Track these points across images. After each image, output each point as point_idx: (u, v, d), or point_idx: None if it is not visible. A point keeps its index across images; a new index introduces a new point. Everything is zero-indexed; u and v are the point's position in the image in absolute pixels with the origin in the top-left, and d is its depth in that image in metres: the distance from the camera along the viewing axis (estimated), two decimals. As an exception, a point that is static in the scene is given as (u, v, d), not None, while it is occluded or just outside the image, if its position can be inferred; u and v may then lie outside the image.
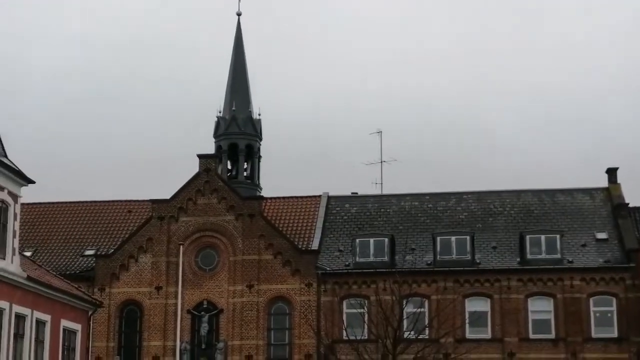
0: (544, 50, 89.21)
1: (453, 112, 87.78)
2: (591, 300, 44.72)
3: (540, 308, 45.14)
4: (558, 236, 45.88)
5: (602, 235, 46.81)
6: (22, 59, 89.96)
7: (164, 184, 73.46)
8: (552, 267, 44.99)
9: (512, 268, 45.38)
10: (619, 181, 49.93)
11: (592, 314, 44.65)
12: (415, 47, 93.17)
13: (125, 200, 53.36)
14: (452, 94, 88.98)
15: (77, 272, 47.69)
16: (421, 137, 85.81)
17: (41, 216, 52.41)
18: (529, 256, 45.55)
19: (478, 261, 45.86)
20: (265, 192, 52.41)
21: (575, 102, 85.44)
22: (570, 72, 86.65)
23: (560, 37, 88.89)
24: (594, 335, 44.31)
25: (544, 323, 44.88)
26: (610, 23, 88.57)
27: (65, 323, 34.28)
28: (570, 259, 45.40)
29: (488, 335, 44.91)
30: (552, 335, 44.62)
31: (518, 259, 45.82)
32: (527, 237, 45.96)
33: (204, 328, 46.00)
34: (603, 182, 50.19)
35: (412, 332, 36.46)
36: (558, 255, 45.42)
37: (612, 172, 50.04)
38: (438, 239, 46.29)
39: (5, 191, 30.20)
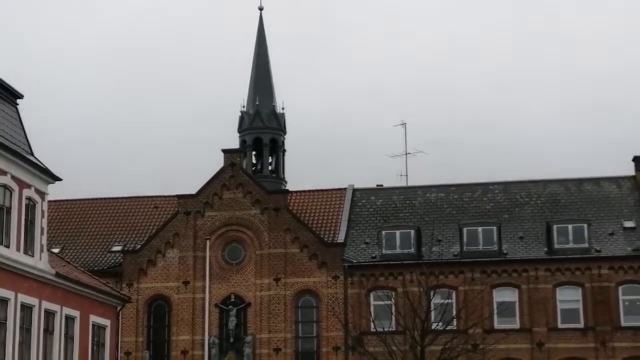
0: (572, 38, 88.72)
1: (478, 102, 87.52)
2: (620, 289, 44.46)
3: (569, 297, 44.93)
4: (585, 225, 45.64)
5: (629, 224, 46.50)
6: (51, 51, 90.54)
7: (190, 179, 73.78)
8: (579, 256, 44.77)
9: (540, 258, 45.19)
10: (646, 169, 49.54)
11: (621, 302, 44.37)
12: (441, 38, 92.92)
13: (152, 196, 53.64)
14: (477, 84, 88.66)
15: (105, 268, 47.99)
16: (446, 129, 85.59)
17: (68, 213, 52.80)
18: (556, 246, 45.35)
19: (505, 251, 45.70)
20: (290, 186, 52.53)
21: (603, 90, 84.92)
22: (599, 59, 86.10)
23: (592, 25, 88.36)
24: (623, 324, 44.05)
25: (573, 312, 44.69)
26: None
27: (94, 319, 34.50)
28: (598, 248, 45.16)
29: (516, 325, 44.77)
30: (581, 325, 44.43)
31: (545, 249, 45.62)
32: (554, 226, 45.75)
33: (232, 322, 46.17)
34: (630, 170, 49.83)
35: (440, 324, 36.37)
36: (586, 245, 45.19)
37: (638, 160, 49.67)
38: (464, 230, 46.19)
39: (33, 189, 30.41)
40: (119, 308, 37.15)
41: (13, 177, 29.13)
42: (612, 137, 79.99)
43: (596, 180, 49.85)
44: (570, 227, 45.59)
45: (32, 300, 29.86)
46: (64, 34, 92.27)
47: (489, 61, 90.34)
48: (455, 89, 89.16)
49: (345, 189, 51.67)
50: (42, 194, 31.07)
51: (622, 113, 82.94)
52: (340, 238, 47.80)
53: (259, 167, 53.24)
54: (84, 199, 54.15)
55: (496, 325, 44.38)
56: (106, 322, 35.60)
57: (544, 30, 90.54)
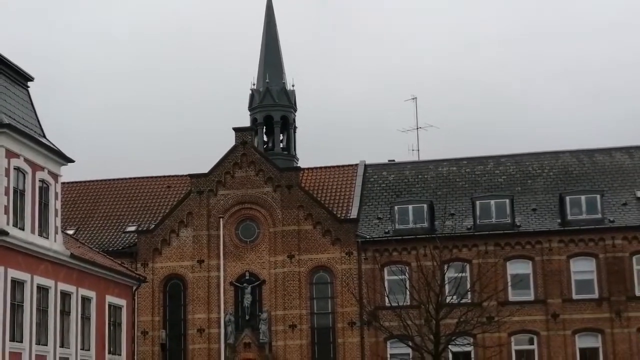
0: (580, 16, 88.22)
1: (488, 75, 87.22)
2: (634, 259, 44.46)
3: (583, 268, 44.94)
4: (598, 196, 45.55)
5: (643, 194, 46.41)
6: (70, 31, 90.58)
7: (202, 158, 73.81)
8: (593, 227, 44.71)
9: (553, 229, 45.16)
10: (659, 138, 49.42)
11: (635, 272, 44.38)
12: (450, 14, 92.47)
13: (164, 176, 53.78)
14: (487, 57, 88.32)
15: (120, 248, 48.23)
16: (456, 102, 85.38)
17: (82, 194, 53.00)
18: (569, 217, 45.29)
19: (518, 224, 45.69)
20: (302, 163, 52.60)
21: (613, 62, 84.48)
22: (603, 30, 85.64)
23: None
24: (637, 293, 44.06)
25: (587, 283, 44.70)
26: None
27: (110, 299, 34.70)
28: (611, 219, 45.08)
29: (531, 297, 44.84)
30: (596, 295, 44.45)
31: (559, 220, 45.58)
32: (567, 198, 45.70)
33: (247, 299, 46.39)
34: (642, 140, 49.68)
35: (455, 297, 36.40)
36: (599, 215, 45.12)
37: (651, 130, 49.53)
38: (477, 203, 46.17)
39: (46, 171, 30.53)
40: (134, 288, 37.32)
41: (26, 160, 29.26)
42: (623, 108, 79.77)
43: (608, 151, 49.69)
44: (583, 198, 45.51)
45: (48, 282, 30.05)
46: (84, 15, 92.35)
47: (500, 35, 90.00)
48: (465, 64, 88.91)
49: (357, 164, 51.69)
50: (55, 176, 31.20)
51: (632, 83, 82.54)
52: (353, 214, 47.87)
53: (270, 144, 53.26)
54: (97, 180, 54.30)
55: (510, 298, 44.46)
56: (122, 302, 35.81)
57: (556, 5, 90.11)
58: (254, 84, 53.76)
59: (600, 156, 49.45)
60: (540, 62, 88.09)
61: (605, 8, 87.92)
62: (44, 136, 31.43)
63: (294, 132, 53.58)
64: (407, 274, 42.97)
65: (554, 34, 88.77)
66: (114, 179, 54.38)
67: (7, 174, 28.10)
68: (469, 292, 39.83)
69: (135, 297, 38.09)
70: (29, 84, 31.72)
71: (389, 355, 44.85)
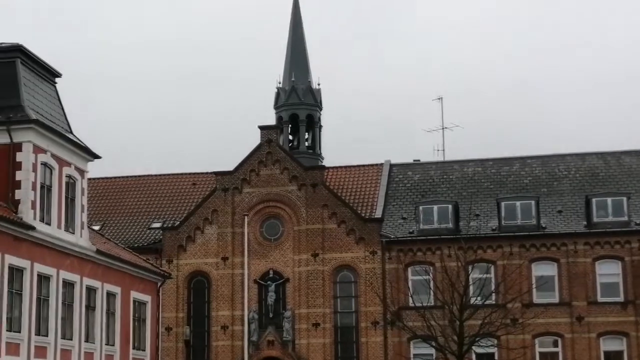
0: (608, 10, 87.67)
1: (515, 76, 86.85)
2: (660, 262, 44.12)
3: (608, 271, 44.65)
4: (625, 198, 45.24)
5: (670, 196, 46.02)
6: (99, 29, 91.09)
7: (227, 156, 73.92)
8: (619, 229, 44.42)
9: (579, 232, 44.89)
10: (686, 140, 49.01)
11: (661, 276, 44.03)
12: (477, 12, 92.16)
13: (190, 173, 53.94)
14: (514, 57, 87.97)
15: (145, 244, 48.42)
16: (482, 103, 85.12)
17: (108, 191, 53.25)
18: (595, 219, 45.01)
19: (544, 225, 45.46)
20: (327, 162, 52.59)
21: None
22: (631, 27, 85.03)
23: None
24: (663, 297, 43.74)
25: (612, 286, 44.41)
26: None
27: (135, 295, 34.85)
28: (637, 221, 44.75)
29: (556, 299, 44.61)
30: (621, 299, 44.16)
31: (584, 223, 45.31)
32: (593, 200, 45.41)
33: (271, 297, 46.45)
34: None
35: (479, 298, 36.27)
36: (625, 218, 44.81)
37: (679, 132, 49.15)
38: (502, 204, 45.97)
39: (72, 166, 30.70)
40: (159, 284, 37.45)
41: (53, 155, 29.42)
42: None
43: (636, 153, 49.37)
44: (609, 200, 45.22)
45: (73, 277, 30.23)
46: (113, 14, 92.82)
47: (523, 36, 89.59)
48: (491, 64, 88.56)
49: (382, 164, 51.62)
50: (81, 172, 31.36)
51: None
52: (378, 213, 47.81)
53: (295, 143, 53.31)
54: (123, 177, 54.57)
55: (535, 300, 44.25)
56: (147, 298, 35.95)
57: (578, 2, 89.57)
58: (279, 82, 53.84)
59: (627, 158, 49.12)
60: (568, 62, 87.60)
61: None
62: (71, 132, 31.60)
63: (319, 130, 53.59)
64: (431, 275, 42.87)
65: (581, 34, 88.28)
66: (139, 176, 54.62)
67: (35, 169, 28.29)
68: (493, 294, 39.68)
69: (160, 294, 38.19)
70: (57, 80, 31.89)
71: (412, 356, 44.75)
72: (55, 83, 31.82)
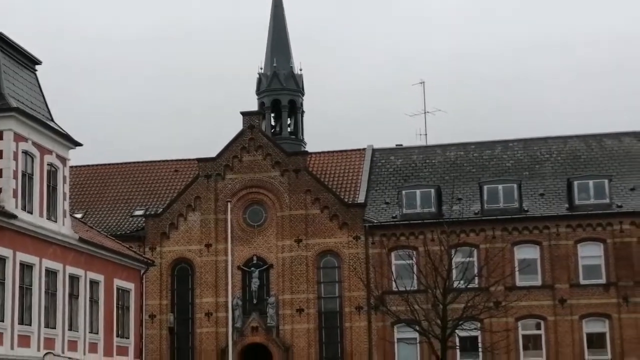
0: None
1: (496, 60, 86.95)
2: (641, 244, 44.37)
3: (590, 253, 44.90)
4: (606, 181, 45.45)
5: (651, 179, 46.27)
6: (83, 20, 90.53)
7: (210, 142, 73.70)
8: (601, 212, 44.65)
9: (561, 214, 45.11)
10: (667, 123, 49.26)
11: (642, 257, 44.29)
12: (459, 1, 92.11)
13: (172, 160, 53.80)
14: (495, 42, 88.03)
15: (128, 232, 48.33)
16: (464, 87, 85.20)
17: (90, 178, 53.07)
18: (577, 202, 45.23)
19: (526, 209, 45.64)
20: (310, 147, 52.56)
21: (619, 47, 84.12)
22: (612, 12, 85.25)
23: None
24: (645, 278, 44.02)
25: (594, 268, 44.67)
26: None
27: (118, 282, 34.75)
28: (619, 204, 45.00)
29: (538, 282, 44.84)
30: (603, 280, 44.42)
31: (566, 205, 45.52)
32: (575, 182, 45.62)
33: (255, 283, 46.48)
34: (651, 124, 49.52)
35: (462, 282, 36.42)
36: (607, 200, 45.04)
37: (660, 114, 49.41)
38: (485, 187, 46.11)
39: (54, 154, 30.52)
40: (142, 272, 37.35)
41: (34, 144, 29.26)
42: (631, 92, 79.46)
43: (617, 135, 49.55)
44: (591, 182, 45.43)
45: (56, 265, 30.11)
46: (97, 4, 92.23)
47: (505, 21, 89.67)
48: (472, 49, 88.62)
49: (364, 149, 51.64)
50: (63, 160, 31.20)
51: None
52: (361, 198, 47.87)
53: (277, 129, 53.25)
54: (105, 164, 54.36)
55: (518, 283, 44.45)
56: (130, 285, 35.86)
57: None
58: (261, 68, 53.70)
59: (609, 141, 49.32)
60: (549, 47, 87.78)
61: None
62: (52, 120, 31.41)
63: (302, 116, 53.54)
64: (414, 259, 42.99)
65: (564, 15, 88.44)
66: (122, 163, 54.42)
67: (16, 158, 28.11)
68: (476, 277, 39.89)
69: (143, 281, 38.06)
70: (37, 67, 31.68)
71: (396, 340, 44.97)
72: (36, 70, 31.61)
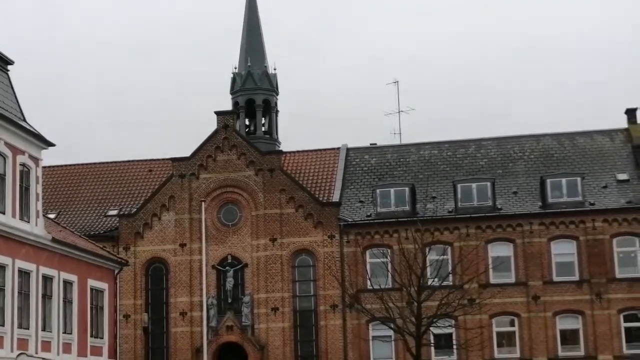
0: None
1: (468, 60, 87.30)
2: (614, 241, 44.73)
3: (563, 251, 45.22)
4: (579, 179, 45.79)
5: (623, 176, 46.67)
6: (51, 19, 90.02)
7: (183, 142, 73.54)
8: (574, 209, 44.97)
9: (534, 212, 45.40)
10: (638, 121, 49.64)
11: (615, 254, 44.66)
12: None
13: (146, 160, 53.63)
14: (467, 41, 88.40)
15: (101, 232, 48.15)
16: (438, 86, 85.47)
17: (63, 178, 52.82)
18: (550, 200, 45.54)
19: (499, 207, 45.90)
20: (284, 147, 52.58)
21: (592, 43, 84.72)
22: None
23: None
24: (617, 275, 44.38)
25: (567, 265, 44.99)
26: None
27: (92, 283, 34.67)
28: (592, 201, 45.35)
29: (512, 279, 45.09)
30: (576, 277, 44.74)
31: (539, 203, 45.82)
32: (548, 180, 45.93)
33: (230, 282, 46.44)
34: (623, 123, 49.92)
35: (436, 279, 36.60)
36: (579, 198, 45.38)
37: (631, 113, 49.80)
38: (459, 186, 46.34)
39: (26, 155, 30.42)
40: (116, 271, 37.29)
41: (6, 144, 29.14)
42: (603, 90, 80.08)
43: (589, 134, 49.90)
44: (564, 180, 45.76)
45: (29, 266, 30.00)
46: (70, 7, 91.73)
47: (477, 21, 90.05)
48: (446, 50, 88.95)
49: (339, 148, 51.72)
50: (36, 160, 31.10)
51: (613, 66, 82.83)
52: (335, 197, 47.97)
53: (252, 128, 53.21)
54: (78, 164, 54.09)
55: (492, 280, 44.69)
56: (104, 285, 35.78)
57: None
58: (235, 67, 53.66)
59: (581, 139, 49.66)
60: (520, 47, 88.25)
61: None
62: (25, 120, 31.29)
63: (276, 115, 53.53)
64: (388, 257, 43.11)
65: (534, 18, 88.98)
66: (95, 163, 54.16)
67: (-12, 158, 28.00)
68: (451, 275, 40.04)
69: (117, 281, 38.02)
70: (9, 67, 31.53)
71: (371, 338, 45.09)
72: (8, 71, 31.46)
